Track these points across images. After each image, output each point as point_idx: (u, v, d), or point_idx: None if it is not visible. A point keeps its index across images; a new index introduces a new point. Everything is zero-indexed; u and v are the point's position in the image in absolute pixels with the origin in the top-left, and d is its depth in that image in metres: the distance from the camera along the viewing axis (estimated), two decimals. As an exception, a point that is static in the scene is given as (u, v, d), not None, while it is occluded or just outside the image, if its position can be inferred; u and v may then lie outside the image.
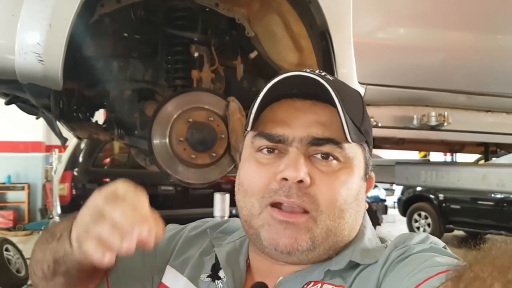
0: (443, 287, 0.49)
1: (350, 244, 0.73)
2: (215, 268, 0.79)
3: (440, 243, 0.69)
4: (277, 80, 0.70)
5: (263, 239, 0.70)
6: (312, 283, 0.69)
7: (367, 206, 0.80)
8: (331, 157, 0.70)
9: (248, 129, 0.74)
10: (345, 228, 0.71)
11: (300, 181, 0.67)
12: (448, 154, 8.30)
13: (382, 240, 0.78)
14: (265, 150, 0.73)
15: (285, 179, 0.68)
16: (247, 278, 0.77)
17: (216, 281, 0.77)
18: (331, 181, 0.69)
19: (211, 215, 2.11)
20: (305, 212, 0.68)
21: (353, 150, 0.72)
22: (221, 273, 0.77)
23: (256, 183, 0.71)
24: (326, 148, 0.70)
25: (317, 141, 0.70)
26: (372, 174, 0.80)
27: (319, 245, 0.69)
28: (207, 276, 0.78)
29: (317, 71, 0.76)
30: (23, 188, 9.53)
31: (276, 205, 0.69)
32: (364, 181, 0.76)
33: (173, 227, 0.93)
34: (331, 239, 0.70)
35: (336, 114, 0.68)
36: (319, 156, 0.70)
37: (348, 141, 0.69)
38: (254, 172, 0.73)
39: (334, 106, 0.68)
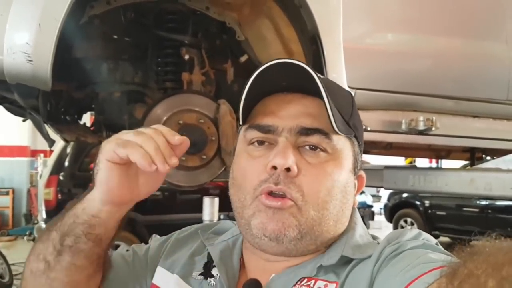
0: (437, 283, 0.49)
1: (341, 239, 0.74)
2: (208, 266, 0.79)
3: (432, 239, 0.70)
4: (266, 67, 0.71)
5: (253, 227, 0.71)
6: (306, 279, 0.70)
7: (356, 202, 0.80)
8: (319, 149, 0.71)
9: (240, 122, 0.76)
10: (329, 219, 0.71)
11: (288, 170, 0.68)
12: (434, 160, 8.39)
13: (374, 237, 0.78)
14: (256, 143, 0.74)
15: (275, 167, 0.69)
16: (241, 276, 0.77)
17: (208, 278, 0.77)
18: (317, 172, 0.70)
19: (199, 221, 2.10)
20: (291, 200, 0.69)
21: (342, 143, 0.73)
22: (214, 271, 0.77)
23: (248, 178, 0.72)
24: (314, 139, 0.71)
25: (305, 131, 0.71)
26: (363, 174, 0.81)
27: (305, 234, 0.70)
28: (199, 274, 0.78)
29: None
30: (7, 193, 9.44)
31: (266, 193, 0.70)
32: (352, 174, 0.76)
33: (159, 238, 0.93)
34: (316, 229, 0.70)
35: (325, 107, 0.69)
36: (307, 147, 0.71)
37: (336, 132, 0.70)
38: (246, 166, 0.74)
39: (322, 98, 0.69)
